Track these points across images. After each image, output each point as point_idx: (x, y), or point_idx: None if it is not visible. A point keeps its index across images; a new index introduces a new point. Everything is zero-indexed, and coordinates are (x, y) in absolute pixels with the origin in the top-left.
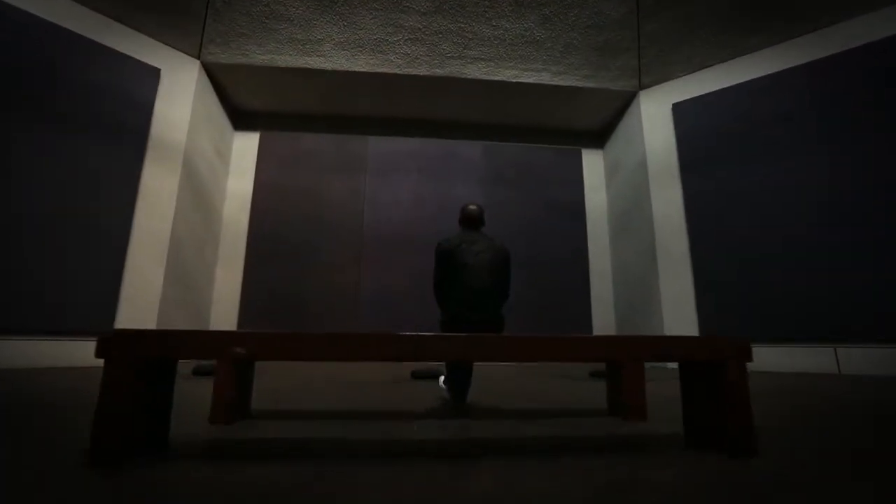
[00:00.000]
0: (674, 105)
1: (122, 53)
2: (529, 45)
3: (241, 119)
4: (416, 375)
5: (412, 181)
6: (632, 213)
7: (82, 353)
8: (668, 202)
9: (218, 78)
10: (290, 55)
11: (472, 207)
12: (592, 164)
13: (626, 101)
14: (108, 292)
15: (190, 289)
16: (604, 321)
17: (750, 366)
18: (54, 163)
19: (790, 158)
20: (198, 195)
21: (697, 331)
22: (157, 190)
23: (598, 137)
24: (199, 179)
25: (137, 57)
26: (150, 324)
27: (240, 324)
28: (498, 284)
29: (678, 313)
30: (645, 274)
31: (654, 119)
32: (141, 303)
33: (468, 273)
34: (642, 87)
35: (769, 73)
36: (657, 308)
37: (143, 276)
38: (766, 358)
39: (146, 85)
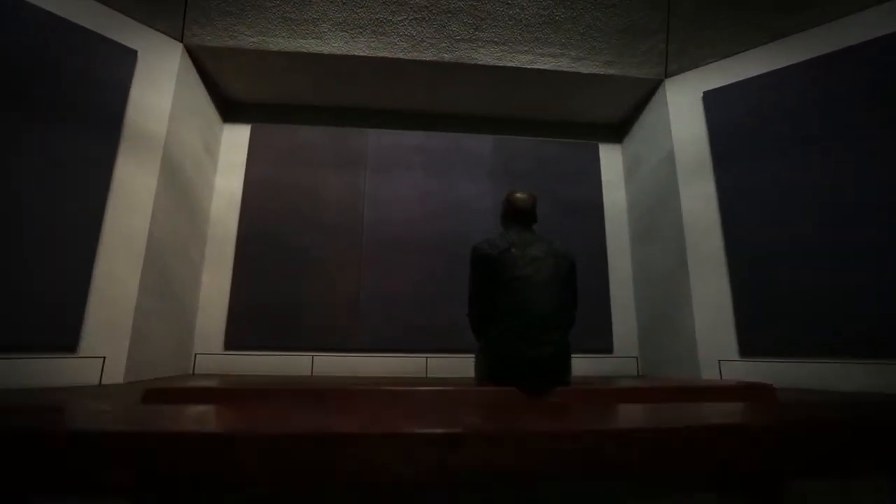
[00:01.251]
0: (705, 93)
1: (91, 31)
2: (548, 27)
3: (230, 110)
4: None
5: (416, 177)
6: (656, 212)
7: (40, 373)
8: (699, 199)
9: (204, 63)
10: (283, 37)
11: (522, 196)
12: (610, 159)
13: (648, 91)
14: (72, 301)
15: (171, 296)
16: (625, 327)
17: (801, 384)
18: (7, 153)
19: (842, 149)
20: (181, 193)
21: (735, 339)
22: (133, 186)
23: (616, 131)
24: (182, 175)
25: (109, 36)
26: (122, 338)
27: (228, 333)
28: (564, 305)
29: (713, 319)
30: (673, 276)
31: (682, 109)
32: (112, 314)
33: (523, 290)
34: (668, 74)
35: (816, 55)
36: (688, 313)
37: (116, 282)
38: (822, 375)
39: (120, 69)
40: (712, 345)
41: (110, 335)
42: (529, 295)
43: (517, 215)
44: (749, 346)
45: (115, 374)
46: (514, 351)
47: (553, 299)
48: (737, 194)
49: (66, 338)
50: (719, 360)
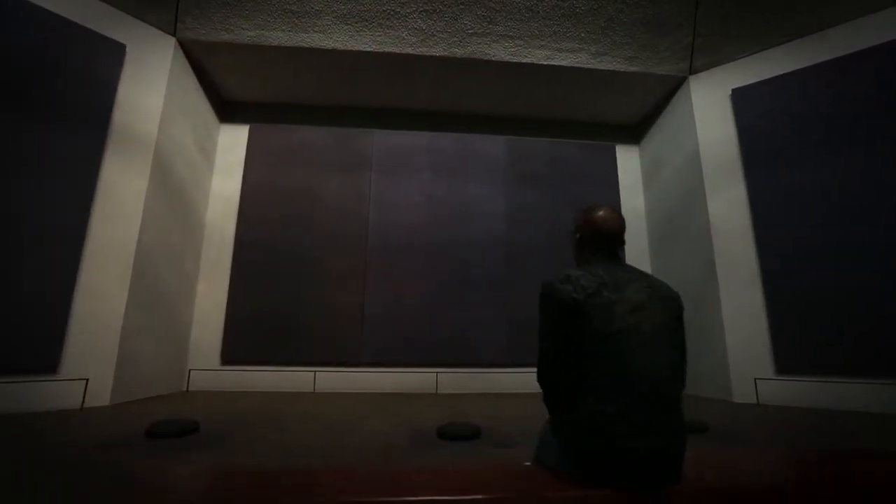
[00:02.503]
0: (733, 91)
1: (74, 23)
2: (567, 19)
3: (227, 109)
4: (445, 434)
5: (424, 180)
6: (680, 218)
7: (16, 396)
8: (728, 203)
9: (198, 59)
10: (283, 31)
11: (607, 214)
12: (627, 161)
13: (670, 89)
14: (53, 318)
15: (163, 310)
16: None
17: (846, 406)
18: None
19: (888, 148)
20: (174, 197)
21: (771, 355)
22: (121, 191)
23: (633, 132)
24: (175, 179)
25: (95, 28)
26: (108, 358)
27: (224, 348)
28: (677, 371)
29: (746, 333)
30: (700, 289)
31: (708, 108)
32: (97, 331)
33: (625, 351)
34: (693, 71)
35: (857, 49)
36: (718, 327)
37: (101, 297)
38: (870, 397)
39: (106, 64)
40: (746, 361)
41: (95, 355)
42: (633, 358)
43: (603, 241)
44: (786, 362)
45: (101, 396)
46: (611, 438)
47: (664, 363)
48: (770, 198)
49: (45, 358)
50: (755, 379)
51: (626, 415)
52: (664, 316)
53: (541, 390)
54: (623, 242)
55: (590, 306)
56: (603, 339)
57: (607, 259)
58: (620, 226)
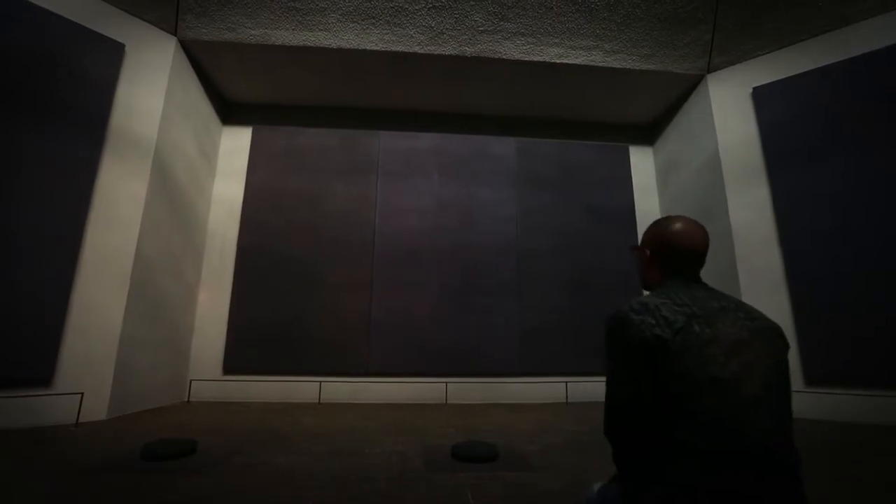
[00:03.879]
0: (754, 89)
1: (71, 21)
2: (581, 16)
3: (229, 111)
4: (461, 455)
5: (432, 184)
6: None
7: (7, 411)
8: (750, 208)
9: (200, 59)
10: (288, 29)
11: (686, 227)
12: (641, 163)
13: (686, 88)
14: (47, 330)
15: (162, 319)
16: None
17: (878, 419)
18: None
19: None
20: (174, 203)
21: (800, 367)
22: (119, 197)
23: (646, 132)
24: (175, 183)
25: (92, 27)
26: (104, 370)
27: (226, 357)
28: (790, 428)
29: None
30: None
31: (727, 107)
32: (92, 342)
33: (727, 405)
34: (711, 69)
35: (884, 45)
36: None
37: (97, 305)
38: None
39: (104, 64)
40: None
41: (91, 367)
42: (738, 414)
43: (681, 261)
44: (815, 374)
45: (97, 410)
46: None
47: (776, 420)
48: (795, 201)
49: (38, 371)
50: None
51: (734, 492)
52: (770, 357)
53: (608, 442)
54: (703, 263)
55: (679, 346)
56: (697, 390)
57: (688, 282)
58: (704, 241)
